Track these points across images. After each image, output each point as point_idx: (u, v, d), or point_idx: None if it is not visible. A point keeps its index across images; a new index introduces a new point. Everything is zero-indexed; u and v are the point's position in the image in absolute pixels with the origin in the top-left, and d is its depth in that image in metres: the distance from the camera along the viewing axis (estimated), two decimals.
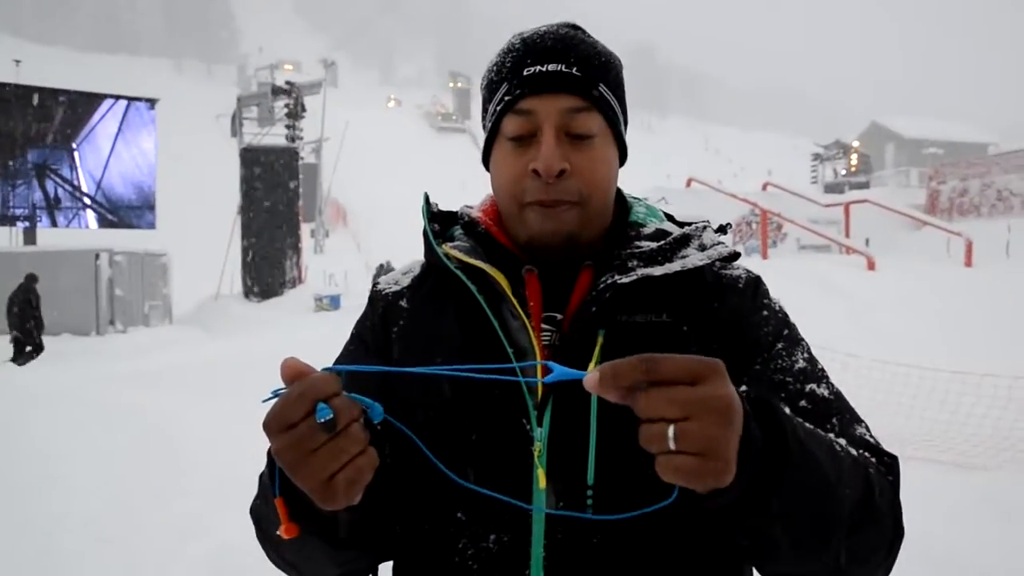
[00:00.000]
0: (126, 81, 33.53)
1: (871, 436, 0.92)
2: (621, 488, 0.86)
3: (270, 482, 0.77)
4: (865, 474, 0.82)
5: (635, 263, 0.95)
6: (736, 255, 1.01)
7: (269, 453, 0.76)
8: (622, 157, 1.03)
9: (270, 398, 0.71)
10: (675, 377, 0.63)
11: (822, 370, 0.97)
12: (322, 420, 0.68)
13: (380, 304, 1.05)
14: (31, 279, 12.94)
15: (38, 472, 4.86)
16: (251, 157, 21.41)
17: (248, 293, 20.91)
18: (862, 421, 0.94)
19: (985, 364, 5.99)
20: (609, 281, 0.91)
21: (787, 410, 0.76)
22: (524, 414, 0.88)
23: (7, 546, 3.67)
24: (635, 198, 1.10)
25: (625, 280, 0.91)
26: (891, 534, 0.85)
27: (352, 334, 1.08)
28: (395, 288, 1.06)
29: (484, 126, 1.02)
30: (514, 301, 0.93)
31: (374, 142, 67.88)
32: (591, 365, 0.87)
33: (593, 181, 0.94)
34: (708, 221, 1.05)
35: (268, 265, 21.10)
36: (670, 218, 1.08)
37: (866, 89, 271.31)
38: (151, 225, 20.60)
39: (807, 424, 0.79)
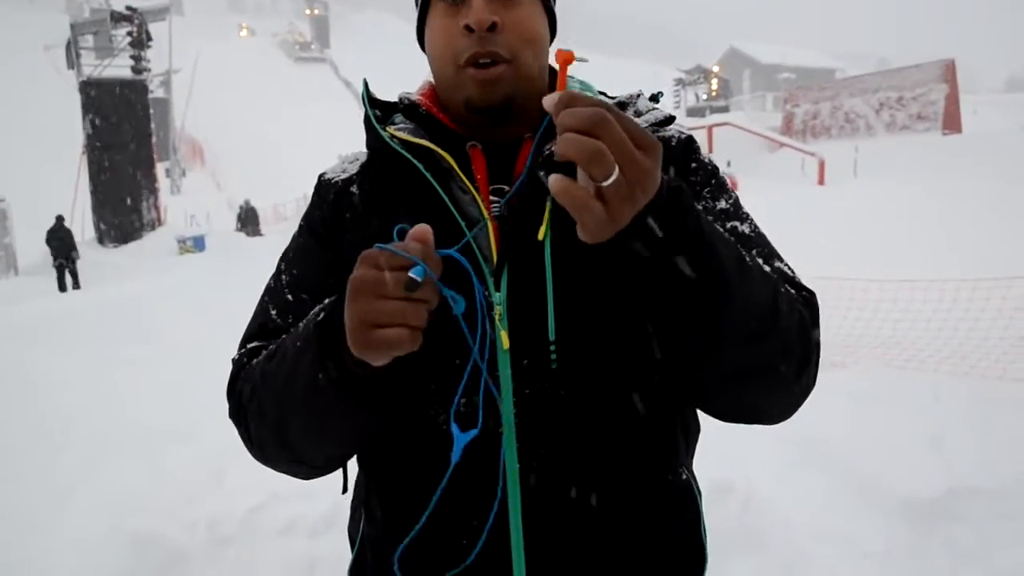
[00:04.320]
0: None
1: (790, 271, 0.98)
2: (582, 340, 0.92)
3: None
4: (774, 288, 0.84)
5: None
6: (671, 118, 1.05)
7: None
8: (553, 31, 1.06)
9: (381, 246, 0.75)
10: (628, 130, 0.69)
11: (747, 214, 1.03)
12: (412, 275, 0.71)
13: (330, 192, 1.06)
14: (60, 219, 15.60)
15: None
16: (93, 91, 19.55)
17: (103, 238, 19.47)
18: (783, 259, 1.00)
19: (840, 270, 6.47)
20: (553, 147, 0.94)
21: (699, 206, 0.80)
22: (481, 281, 0.90)
23: None
24: (569, 75, 1.12)
25: None
26: (798, 354, 0.87)
27: (300, 226, 1.08)
28: (343, 176, 1.07)
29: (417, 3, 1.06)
30: (462, 175, 0.96)
31: (228, 74, 63.89)
32: (542, 229, 0.92)
33: (523, 37, 0.97)
34: (641, 91, 1.10)
35: (123, 208, 19.62)
36: (603, 94, 1.12)
37: (723, 16, 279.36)
38: None
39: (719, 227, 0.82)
